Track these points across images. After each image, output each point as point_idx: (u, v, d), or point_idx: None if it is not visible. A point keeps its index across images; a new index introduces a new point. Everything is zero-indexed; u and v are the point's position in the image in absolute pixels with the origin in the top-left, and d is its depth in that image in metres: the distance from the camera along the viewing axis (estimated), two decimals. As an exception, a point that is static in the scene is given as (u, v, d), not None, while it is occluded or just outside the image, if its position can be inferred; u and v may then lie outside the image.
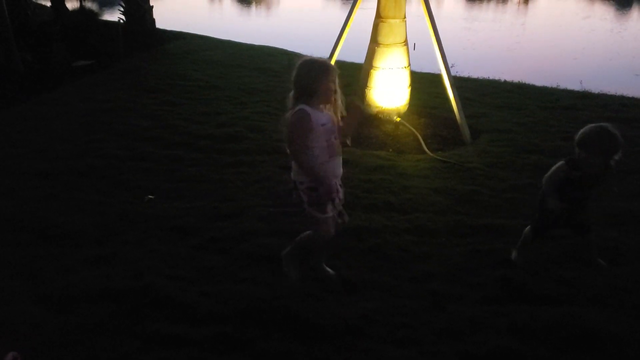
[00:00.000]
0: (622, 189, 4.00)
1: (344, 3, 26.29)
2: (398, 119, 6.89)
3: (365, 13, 7.86)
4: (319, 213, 3.25)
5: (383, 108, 7.00)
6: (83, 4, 15.09)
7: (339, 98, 3.26)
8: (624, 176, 5.32)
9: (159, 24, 13.84)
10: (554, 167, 3.52)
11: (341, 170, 3.36)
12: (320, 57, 3.32)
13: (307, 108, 3.13)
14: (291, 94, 3.23)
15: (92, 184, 5.08)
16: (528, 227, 3.80)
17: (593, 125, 3.39)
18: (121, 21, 13.00)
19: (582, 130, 3.39)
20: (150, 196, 4.80)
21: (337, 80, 3.22)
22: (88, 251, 3.90)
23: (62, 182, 5.08)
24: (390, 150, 6.23)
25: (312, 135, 3.14)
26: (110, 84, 8.89)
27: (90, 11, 12.47)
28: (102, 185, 5.06)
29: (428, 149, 6.19)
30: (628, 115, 7.67)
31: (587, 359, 2.94)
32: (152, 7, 13.62)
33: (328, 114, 3.23)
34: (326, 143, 3.19)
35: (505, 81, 10.10)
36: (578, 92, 9.24)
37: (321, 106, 3.20)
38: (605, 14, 25.07)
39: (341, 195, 3.37)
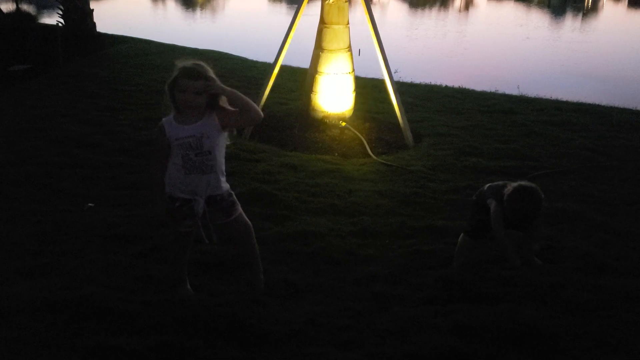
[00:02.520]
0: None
1: (289, 8, 26.36)
2: (343, 124, 6.96)
3: (309, 19, 7.91)
4: (172, 223, 3.22)
5: (328, 113, 7.06)
6: (19, 6, 14.55)
7: (224, 102, 2.99)
8: (558, 177, 5.54)
9: (100, 28, 13.52)
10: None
11: (205, 189, 3.10)
12: (185, 60, 2.95)
13: (168, 121, 3.01)
14: None
15: (29, 192, 4.90)
16: (462, 235, 3.89)
17: (522, 184, 3.52)
18: (60, 25, 12.61)
19: (513, 185, 3.53)
20: (90, 204, 4.68)
21: (199, 83, 2.86)
22: (24, 262, 3.74)
23: (-4, 191, 4.88)
24: (336, 154, 6.29)
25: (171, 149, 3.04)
26: (49, 89, 8.61)
27: (27, 14, 12.06)
28: (39, 193, 4.89)
29: (372, 153, 6.28)
30: (562, 118, 8.00)
31: (525, 354, 3.04)
32: (92, 10, 13.30)
33: (196, 127, 2.97)
34: (181, 160, 3.01)
35: (446, 86, 10.36)
36: (515, 96, 9.58)
37: (215, 116, 2.97)
38: (541, 22, 26.05)
39: (200, 211, 3.15)
